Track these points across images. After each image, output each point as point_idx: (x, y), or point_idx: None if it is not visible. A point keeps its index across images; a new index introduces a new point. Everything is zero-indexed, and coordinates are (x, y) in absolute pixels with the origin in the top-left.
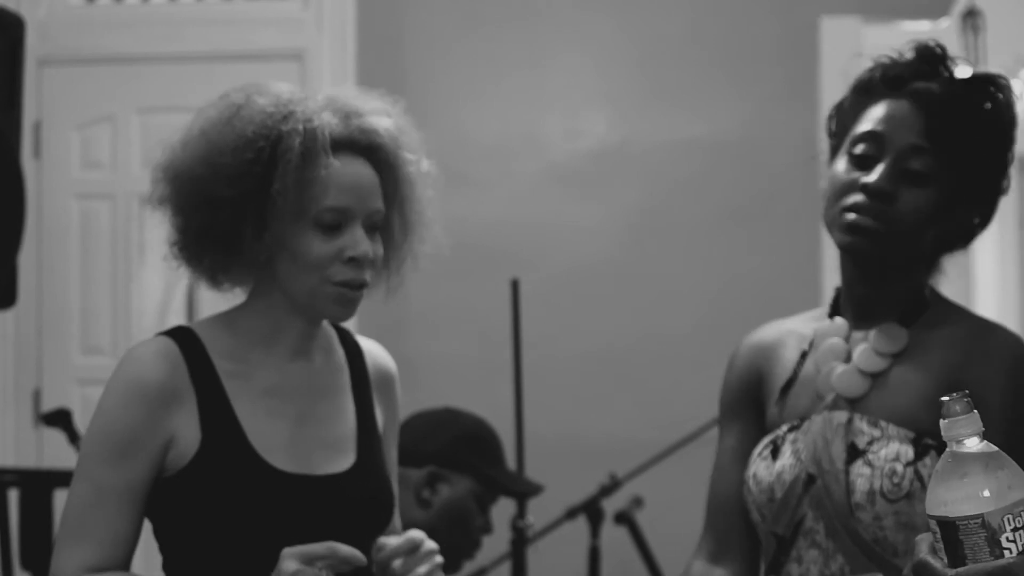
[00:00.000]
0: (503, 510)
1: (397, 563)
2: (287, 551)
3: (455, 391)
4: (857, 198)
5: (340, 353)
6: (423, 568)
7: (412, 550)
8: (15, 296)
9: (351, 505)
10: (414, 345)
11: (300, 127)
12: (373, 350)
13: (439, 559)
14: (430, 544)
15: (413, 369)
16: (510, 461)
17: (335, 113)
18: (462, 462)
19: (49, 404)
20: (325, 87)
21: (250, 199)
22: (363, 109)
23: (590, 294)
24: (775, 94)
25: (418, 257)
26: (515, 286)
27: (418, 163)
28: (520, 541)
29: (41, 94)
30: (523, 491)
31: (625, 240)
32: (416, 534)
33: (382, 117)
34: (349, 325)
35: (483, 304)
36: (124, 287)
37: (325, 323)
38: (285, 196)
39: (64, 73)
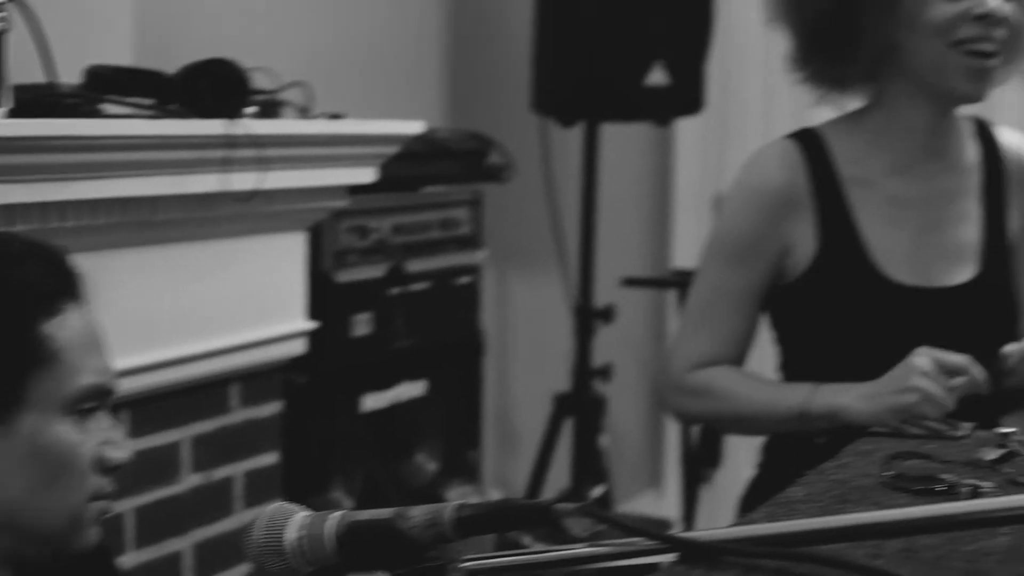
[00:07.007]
0: None
1: None
2: (922, 352)
3: None
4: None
5: (974, 151)
6: None
7: None
8: (701, 104)
9: (969, 318)
10: None
11: None
12: (1015, 144)
13: None
14: None
15: None
16: None
17: None
18: None
19: None
20: None
21: None
22: None
23: None
24: None
25: None
26: None
27: None
28: None
29: None
30: None
31: None
32: None
33: None
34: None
35: None
36: None
37: (960, 117)
38: None
39: None
